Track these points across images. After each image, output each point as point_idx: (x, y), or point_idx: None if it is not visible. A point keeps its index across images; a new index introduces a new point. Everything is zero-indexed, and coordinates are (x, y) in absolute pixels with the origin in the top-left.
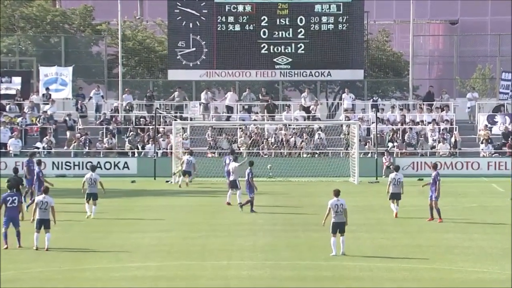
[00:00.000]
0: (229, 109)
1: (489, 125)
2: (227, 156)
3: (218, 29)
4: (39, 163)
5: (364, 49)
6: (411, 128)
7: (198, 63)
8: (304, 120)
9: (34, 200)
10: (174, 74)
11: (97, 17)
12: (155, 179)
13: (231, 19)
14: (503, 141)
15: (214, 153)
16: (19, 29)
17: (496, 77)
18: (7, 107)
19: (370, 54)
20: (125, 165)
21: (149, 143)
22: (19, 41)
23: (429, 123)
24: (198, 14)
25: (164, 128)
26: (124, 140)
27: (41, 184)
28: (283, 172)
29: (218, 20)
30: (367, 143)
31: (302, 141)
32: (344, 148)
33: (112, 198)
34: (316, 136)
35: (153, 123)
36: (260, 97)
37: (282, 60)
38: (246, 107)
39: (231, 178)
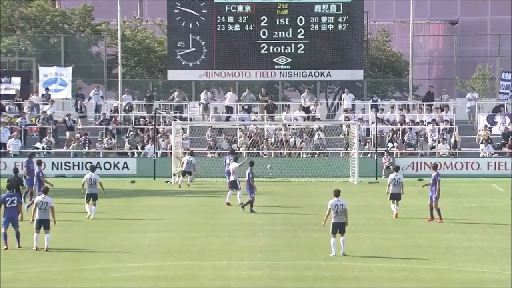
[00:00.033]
0: (229, 109)
1: (489, 125)
2: (227, 156)
3: (218, 29)
4: (39, 163)
5: (364, 49)
6: (410, 128)
7: (198, 63)
8: (304, 120)
9: (34, 200)
10: (174, 74)
11: (96, 17)
12: (154, 179)
13: (230, 19)
14: (503, 141)
15: (213, 153)
16: (19, 29)
17: (496, 77)
18: (7, 107)
19: (369, 54)
20: (125, 165)
21: (148, 143)
22: (18, 41)
23: (429, 123)
24: (198, 14)
25: (163, 128)
26: (123, 140)
27: (41, 184)
28: (283, 172)
29: (218, 20)
30: (367, 143)
31: (302, 141)
32: (344, 148)
33: (111, 198)
34: (316, 136)
35: (153, 123)
36: (260, 97)
37: (282, 60)
38: (245, 107)
39: (231, 178)
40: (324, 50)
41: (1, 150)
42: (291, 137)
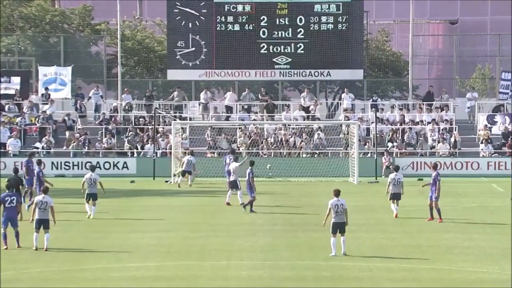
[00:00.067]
0: (229, 109)
1: (488, 125)
2: (227, 155)
3: (218, 29)
4: (39, 163)
5: (364, 49)
6: (410, 128)
7: (198, 63)
8: (304, 120)
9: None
10: (174, 74)
11: (96, 17)
12: (154, 179)
13: (230, 19)
14: (502, 141)
15: (213, 153)
16: (18, 29)
17: (496, 77)
18: (6, 107)
19: (369, 54)
20: (125, 165)
21: (148, 143)
22: (18, 41)
23: (428, 123)
24: (198, 14)
25: (163, 128)
26: (123, 140)
27: (41, 184)
28: (283, 172)
29: (218, 20)
30: (367, 143)
31: (302, 141)
32: (344, 148)
33: (111, 198)
34: (316, 136)
35: (153, 123)
36: (260, 97)
37: (282, 60)
38: (245, 107)
39: (232, 178)
40: (324, 50)
41: (1, 150)
42: (291, 136)
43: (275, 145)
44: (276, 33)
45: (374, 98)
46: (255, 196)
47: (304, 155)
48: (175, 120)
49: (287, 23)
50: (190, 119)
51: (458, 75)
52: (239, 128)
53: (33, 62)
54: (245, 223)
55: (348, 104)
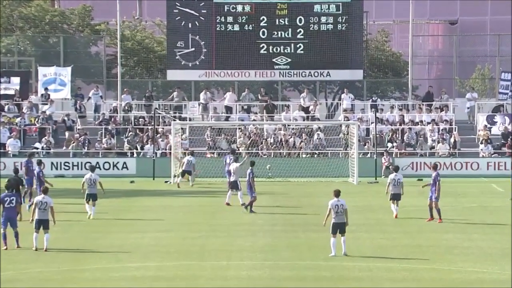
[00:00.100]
0: (228, 109)
1: (488, 125)
2: (227, 155)
3: (217, 29)
4: (39, 163)
5: (364, 49)
6: (410, 128)
7: (197, 63)
8: (303, 120)
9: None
10: (173, 74)
11: (96, 17)
12: (154, 179)
13: (230, 19)
14: (502, 141)
15: (213, 153)
16: (18, 29)
17: (496, 77)
18: (6, 107)
19: (369, 54)
20: (124, 166)
21: (148, 143)
22: (18, 41)
23: (428, 123)
24: (197, 14)
25: (163, 128)
26: (123, 140)
27: (41, 184)
28: (282, 173)
29: (217, 20)
30: (366, 143)
31: (301, 141)
32: (343, 148)
33: (111, 199)
34: (315, 136)
35: (152, 123)
36: (259, 97)
37: (281, 60)
38: (245, 107)
39: (232, 179)
40: (324, 50)
41: (1, 150)
42: (291, 137)
43: (274, 145)
44: (275, 33)
45: (373, 98)
46: (256, 196)
47: (303, 156)
48: (174, 120)
49: (286, 23)
50: (190, 119)
51: (458, 75)
52: (239, 128)
53: (32, 62)
54: (245, 224)
55: (348, 104)
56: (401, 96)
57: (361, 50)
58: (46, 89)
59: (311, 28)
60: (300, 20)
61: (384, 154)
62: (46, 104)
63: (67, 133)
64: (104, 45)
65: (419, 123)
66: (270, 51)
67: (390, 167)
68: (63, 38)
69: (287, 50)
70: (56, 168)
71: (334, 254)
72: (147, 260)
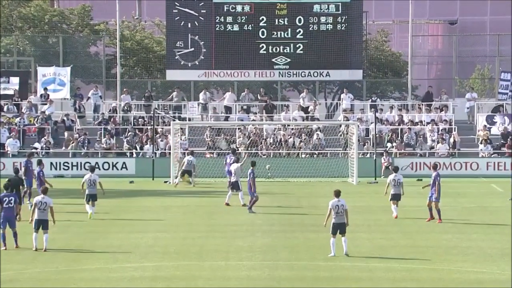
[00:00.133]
0: (228, 109)
1: (488, 126)
2: (228, 155)
3: (217, 29)
4: (39, 163)
5: (363, 49)
6: (410, 129)
7: (197, 63)
8: (303, 120)
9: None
10: (173, 74)
11: (95, 17)
12: (153, 179)
13: (229, 19)
14: (502, 141)
15: (212, 153)
16: (17, 29)
17: (495, 77)
18: (5, 107)
19: (369, 54)
20: (124, 166)
21: (147, 144)
22: (17, 41)
23: (428, 123)
24: (197, 14)
25: (162, 128)
26: (122, 140)
27: (42, 184)
28: (282, 173)
29: (217, 20)
30: (366, 144)
31: (301, 141)
32: (343, 149)
33: (110, 199)
34: (315, 137)
35: (152, 123)
36: (259, 97)
37: (281, 60)
38: (244, 107)
39: (233, 179)
40: (323, 50)
41: (0, 150)
42: (290, 137)
43: (274, 145)
44: (275, 33)
45: (373, 98)
46: (257, 195)
47: (303, 156)
48: (174, 120)
49: (286, 23)
50: (189, 119)
51: (458, 75)
52: (238, 128)
53: (32, 62)
54: (244, 224)
55: (347, 104)
56: (400, 96)
57: (361, 50)
58: (45, 89)
59: (310, 28)
60: (300, 20)
61: (384, 154)
62: (46, 104)
63: (66, 133)
64: (103, 45)
65: (419, 123)
66: (270, 51)
67: (390, 167)
68: (63, 38)
69: (286, 50)
70: (56, 168)
71: (334, 254)
72: (146, 260)
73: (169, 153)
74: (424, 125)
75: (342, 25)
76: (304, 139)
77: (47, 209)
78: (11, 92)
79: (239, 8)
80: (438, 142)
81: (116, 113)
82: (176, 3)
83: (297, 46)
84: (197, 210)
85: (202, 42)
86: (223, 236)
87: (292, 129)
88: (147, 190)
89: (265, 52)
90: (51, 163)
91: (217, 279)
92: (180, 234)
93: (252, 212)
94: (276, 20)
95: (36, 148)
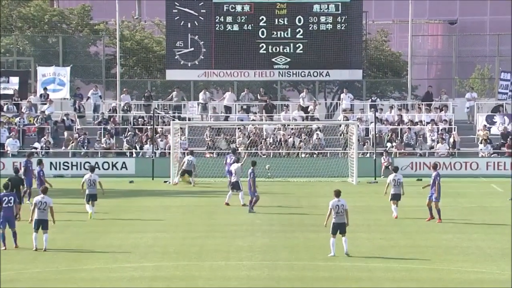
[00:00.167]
0: (228, 109)
1: (488, 125)
2: (228, 155)
3: (217, 29)
4: (39, 162)
5: (363, 49)
6: (409, 128)
7: (196, 63)
8: (303, 120)
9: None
10: (172, 74)
11: (95, 17)
12: (153, 179)
13: (229, 19)
14: (502, 141)
15: (212, 153)
16: (17, 29)
17: (495, 77)
18: (5, 107)
19: (368, 54)
20: (123, 165)
21: (147, 143)
22: (16, 41)
23: (427, 123)
24: (196, 14)
25: (162, 128)
26: (122, 140)
27: (42, 184)
28: (282, 173)
29: (217, 20)
30: (366, 143)
31: (301, 141)
32: (343, 148)
33: (110, 199)
34: (315, 136)
35: (151, 123)
36: (259, 97)
37: (281, 60)
38: (244, 107)
39: (233, 179)
40: (323, 50)
41: (0, 150)
42: (290, 137)
43: (274, 145)
44: (275, 33)
45: (373, 98)
46: (258, 195)
47: (303, 155)
48: (174, 120)
49: (286, 23)
50: (189, 119)
51: (457, 75)
52: (238, 128)
53: (31, 62)
54: (243, 224)
55: (347, 104)
56: (400, 96)
57: (361, 50)
58: (45, 89)
59: (310, 28)
60: (300, 20)
61: (384, 154)
62: (45, 104)
63: (66, 133)
64: (103, 45)
65: (419, 123)
66: (270, 51)
67: (390, 167)
68: (62, 38)
69: (286, 50)
70: (55, 168)
71: (334, 254)
72: (145, 260)
73: (169, 153)
74: (424, 125)
75: (342, 25)
76: (304, 139)
77: (47, 209)
78: (11, 92)
79: (239, 8)
80: (438, 142)
81: (116, 113)
82: (176, 3)
83: (297, 46)
84: (197, 210)
85: (202, 42)
86: (223, 236)
87: (292, 129)
88: (146, 190)
89: (265, 52)
90: (51, 163)
91: (217, 279)
92: (179, 234)
93: (253, 212)
94: (276, 20)
95: (36, 148)
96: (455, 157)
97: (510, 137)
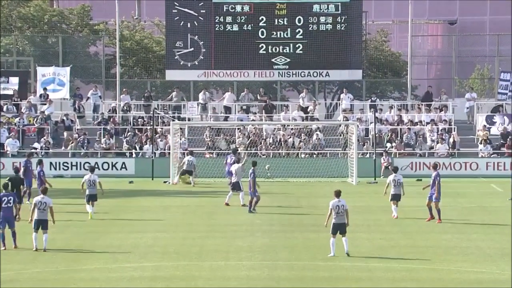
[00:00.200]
0: (227, 109)
1: (487, 126)
2: (228, 155)
3: (216, 29)
4: (39, 162)
5: (363, 49)
6: (409, 129)
7: (196, 63)
8: (302, 120)
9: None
10: (172, 74)
11: (94, 17)
12: (153, 179)
13: (229, 19)
14: (501, 141)
15: (212, 153)
16: (17, 29)
17: (495, 77)
18: (5, 107)
19: (368, 54)
20: (123, 166)
21: (147, 144)
22: (16, 41)
23: (427, 123)
24: (196, 14)
25: (162, 128)
26: (122, 140)
27: (42, 184)
28: (281, 173)
29: (216, 20)
30: (366, 144)
31: (300, 141)
32: (342, 149)
33: (109, 199)
34: (314, 137)
35: (151, 123)
36: (258, 97)
37: (280, 60)
38: (244, 107)
39: (234, 179)
40: (323, 50)
41: (0, 150)
42: (290, 137)
43: (273, 145)
44: (275, 33)
45: (373, 98)
46: (258, 195)
47: (302, 156)
48: (173, 120)
49: (286, 23)
50: (189, 119)
51: (457, 75)
52: (238, 128)
53: (31, 62)
54: (243, 224)
55: (347, 104)
56: (400, 96)
57: (360, 50)
58: (45, 89)
59: (310, 28)
60: (299, 20)
61: (383, 154)
62: (45, 104)
63: (66, 133)
64: (103, 45)
65: (418, 123)
66: (269, 51)
67: (389, 167)
68: (62, 38)
69: (286, 50)
70: (55, 168)
71: (333, 254)
72: (145, 260)
73: (169, 153)
74: (424, 125)
75: (342, 25)
76: (304, 139)
77: (47, 209)
78: (10, 92)
79: (238, 8)
80: (437, 142)
81: (116, 113)
82: (175, 3)
83: (297, 46)
84: (197, 210)
85: (202, 42)
86: (222, 236)
87: (292, 129)
88: (146, 190)
89: (264, 52)
90: (51, 163)
91: (217, 279)
92: (179, 234)
93: (254, 212)
94: (276, 20)
95: (35, 148)
96: (455, 157)
97: (509, 137)
